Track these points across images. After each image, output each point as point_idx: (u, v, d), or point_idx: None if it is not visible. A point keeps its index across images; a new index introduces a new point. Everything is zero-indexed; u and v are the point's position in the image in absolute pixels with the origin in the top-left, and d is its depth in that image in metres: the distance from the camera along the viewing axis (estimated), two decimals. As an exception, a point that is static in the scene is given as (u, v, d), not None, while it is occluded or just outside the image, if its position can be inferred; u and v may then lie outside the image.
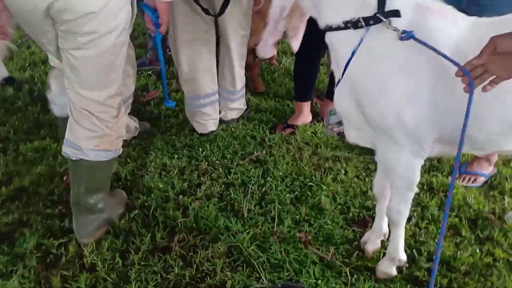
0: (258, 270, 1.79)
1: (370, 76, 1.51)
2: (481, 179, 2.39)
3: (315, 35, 2.13)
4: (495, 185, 2.36)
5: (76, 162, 1.84)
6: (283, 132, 2.84)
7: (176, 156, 2.55)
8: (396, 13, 1.45)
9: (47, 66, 3.74)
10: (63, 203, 2.14)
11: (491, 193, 2.30)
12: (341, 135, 2.82)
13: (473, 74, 1.19)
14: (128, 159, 2.50)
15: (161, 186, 2.27)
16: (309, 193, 2.23)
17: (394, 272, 1.79)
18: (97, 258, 1.83)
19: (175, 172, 2.40)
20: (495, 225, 2.05)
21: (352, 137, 1.74)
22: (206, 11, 2.40)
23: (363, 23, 1.47)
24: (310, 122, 2.96)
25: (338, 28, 1.55)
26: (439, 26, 1.45)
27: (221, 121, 2.91)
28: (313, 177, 2.36)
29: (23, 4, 1.62)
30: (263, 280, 1.74)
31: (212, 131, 2.81)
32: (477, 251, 1.89)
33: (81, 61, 1.70)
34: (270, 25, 1.71)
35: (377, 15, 1.45)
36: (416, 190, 1.66)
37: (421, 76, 1.45)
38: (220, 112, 2.89)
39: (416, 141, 1.52)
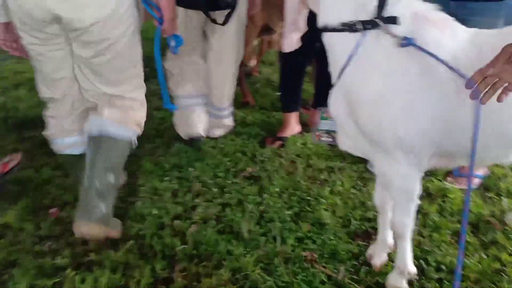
0: (267, 295, 1.72)
1: (366, 85, 1.47)
2: (476, 181, 2.40)
3: (301, 45, 2.12)
4: (490, 186, 2.37)
5: (96, 139, 1.93)
6: (272, 145, 2.79)
7: (166, 178, 2.46)
8: (393, 20, 1.42)
9: (19, 91, 3.59)
10: (52, 239, 2.02)
11: (488, 194, 2.31)
12: (330, 145, 2.80)
13: (485, 84, 1.17)
14: (116, 185, 2.39)
15: (154, 212, 2.17)
16: (308, 208, 2.19)
17: (404, 285, 1.74)
18: (96, 296, 1.72)
19: (168, 196, 2.31)
20: (497, 228, 2.04)
21: (346, 145, 1.70)
22: (214, 21, 2.48)
23: (361, 27, 1.44)
24: (299, 133, 2.93)
25: (334, 30, 1.51)
26: (437, 38, 1.42)
27: (208, 138, 2.85)
28: (310, 191, 2.32)
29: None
30: (273, 305, 1.68)
31: (201, 138, 2.81)
32: (484, 256, 1.87)
33: (102, 65, 1.87)
34: (290, 22, 1.70)
35: (375, 19, 1.41)
36: (417, 201, 1.61)
37: (420, 90, 1.41)
38: (207, 131, 2.88)
39: (414, 155, 1.48)
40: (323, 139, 2.80)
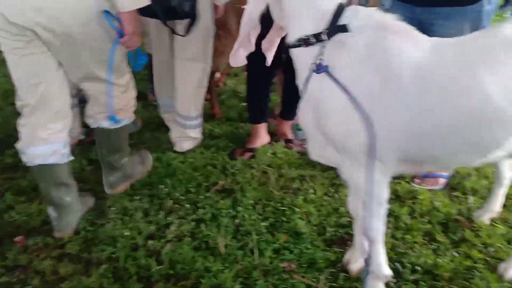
0: (248, 310, 1.71)
1: (331, 95, 1.50)
2: (442, 181, 2.47)
3: (265, 56, 2.14)
4: (455, 186, 2.45)
5: (96, 129, 2.28)
6: (243, 157, 2.78)
7: (136, 197, 2.40)
8: (344, 28, 1.46)
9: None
10: (20, 268, 1.92)
11: (454, 194, 2.38)
12: (301, 152, 2.83)
13: None
14: (84, 207, 2.32)
15: (126, 233, 2.11)
16: (284, 218, 2.19)
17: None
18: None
19: (139, 216, 2.25)
20: (465, 226, 2.11)
21: (316, 155, 1.73)
22: (173, 31, 2.51)
23: (314, 40, 1.50)
24: (268, 143, 2.93)
25: (294, 46, 1.57)
26: (400, 48, 1.46)
27: (176, 152, 2.83)
28: (284, 201, 2.32)
29: None
30: (255, 320, 1.66)
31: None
32: (456, 255, 1.93)
33: (86, 57, 2.00)
34: (242, 36, 1.71)
35: (325, 30, 1.47)
36: (386, 205, 1.64)
37: (383, 98, 1.45)
38: (175, 144, 2.88)
39: (379, 161, 1.50)
40: (305, 146, 2.82)
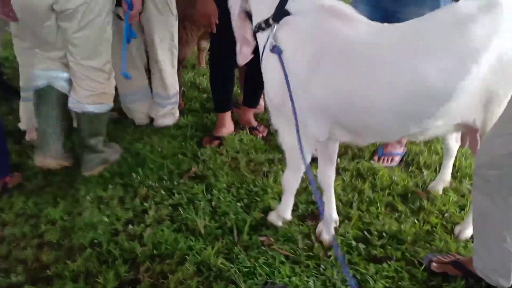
0: (233, 280, 1.81)
1: (270, 70, 1.78)
2: (397, 158, 2.70)
3: (228, 46, 2.31)
4: (410, 162, 2.68)
5: (80, 114, 2.48)
6: (211, 144, 2.87)
7: (110, 186, 2.43)
8: (285, 12, 1.70)
9: None
10: (2, 258, 1.91)
11: (410, 169, 2.61)
12: (266, 138, 2.96)
13: None
14: (57, 199, 2.32)
15: (105, 219, 2.15)
16: (257, 198, 2.30)
17: (332, 231, 2.03)
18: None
19: (115, 203, 2.28)
20: (421, 196, 2.33)
21: (274, 123, 1.95)
22: (118, 16, 2.67)
23: (264, 25, 1.75)
24: (234, 132, 3.04)
25: (254, 32, 1.83)
26: (337, 29, 1.67)
27: (156, 128, 3.12)
28: (256, 183, 2.44)
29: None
30: (241, 288, 1.77)
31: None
32: (416, 221, 2.14)
33: (81, 39, 2.35)
34: (237, 36, 1.87)
35: (269, 19, 1.72)
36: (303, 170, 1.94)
37: (318, 71, 1.67)
38: (153, 119, 3.15)
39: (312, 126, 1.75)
40: None
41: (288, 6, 1.71)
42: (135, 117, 3.15)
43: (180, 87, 3.38)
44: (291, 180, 2.03)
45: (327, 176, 2.03)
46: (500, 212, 1.55)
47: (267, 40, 1.75)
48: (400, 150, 2.72)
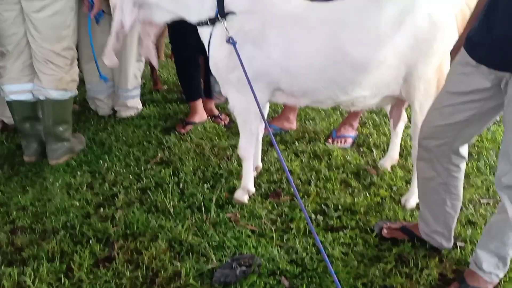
0: (204, 253, 1.94)
1: (217, 49, 2.05)
2: (350, 140, 2.91)
3: (185, 39, 2.54)
4: (361, 143, 2.91)
5: (43, 101, 2.54)
6: (184, 130, 3.00)
7: (78, 173, 2.49)
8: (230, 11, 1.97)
9: None
10: (-28, 244, 1.95)
11: (361, 149, 2.84)
12: (227, 126, 3.11)
13: None
14: (26, 187, 2.36)
15: (76, 203, 2.22)
16: (223, 180, 2.45)
17: (246, 199, 2.27)
18: (41, 284, 1.75)
19: (84, 189, 2.36)
20: (372, 173, 2.55)
21: (224, 92, 2.22)
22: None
23: (209, 23, 2.01)
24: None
25: (199, 25, 2.07)
26: (272, 2, 2.00)
27: (119, 119, 3.21)
28: (220, 166, 2.58)
29: None
30: (212, 260, 1.90)
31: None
32: (367, 195, 2.35)
33: (42, 21, 2.39)
34: (112, 36, 2.04)
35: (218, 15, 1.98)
36: (256, 132, 2.23)
37: (260, 43, 1.97)
38: (116, 111, 3.25)
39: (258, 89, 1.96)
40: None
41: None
42: (98, 107, 3.20)
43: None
44: (247, 146, 2.20)
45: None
46: (440, 178, 1.77)
47: (210, 34, 2.03)
48: (352, 133, 2.95)
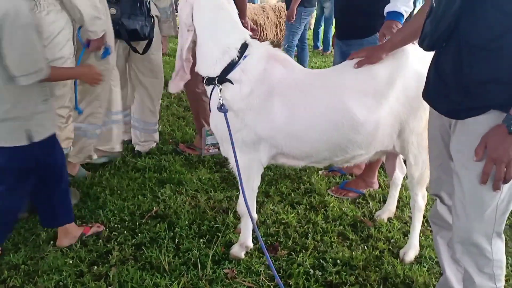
0: (201, 314, 1.89)
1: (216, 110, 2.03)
2: (351, 194, 2.89)
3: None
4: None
5: None
6: (187, 151, 3.39)
7: (71, 229, 2.45)
8: (229, 81, 2.00)
9: None
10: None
11: (357, 200, 2.83)
12: (223, 178, 3.10)
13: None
14: (18, 245, 2.31)
15: (69, 262, 2.17)
16: (219, 234, 2.42)
17: (243, 255, 2.23)
18: None
19: (78, 246, 2.31)
20: (369, 225, 2.54)
21: (224, 152, 2.21)
22: (134, 49, 3.07)
23: (213, 83, 2.02)
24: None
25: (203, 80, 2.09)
26: (280, 71, 2.03)
27: (138, 153, 3.45)
28: (216, 219, 2.55)
29: None
30: (209, 321, 1.85)
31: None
32: (365, 248, 2.33)
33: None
34: (177, 64, 2.10)
35: (217, 81, 2.00)
36: (256, 190, 2.19)
37: (265, 108, 2.00)
38: (136, 145, 3.51)
39: (258, 152, 2.07)
40: (211, 151, 3.42)
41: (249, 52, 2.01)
42: (110, 144, 3.26)
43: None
44: (247, 203, 2.15)
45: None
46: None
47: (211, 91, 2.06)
48: (364, 190, 2.92)
